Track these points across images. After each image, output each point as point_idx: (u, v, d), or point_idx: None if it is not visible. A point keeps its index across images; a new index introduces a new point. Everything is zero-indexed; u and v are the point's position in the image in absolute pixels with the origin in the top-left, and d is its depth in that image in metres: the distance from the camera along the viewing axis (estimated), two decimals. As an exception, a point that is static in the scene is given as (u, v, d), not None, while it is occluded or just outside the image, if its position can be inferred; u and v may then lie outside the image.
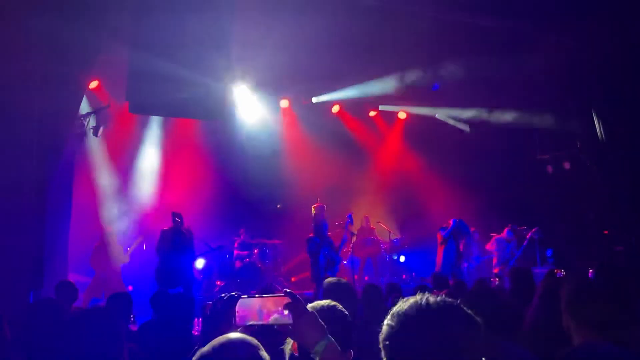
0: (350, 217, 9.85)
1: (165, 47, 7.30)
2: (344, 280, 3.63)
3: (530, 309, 3.51)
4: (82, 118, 9.14)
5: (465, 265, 11.04)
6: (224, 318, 1.98)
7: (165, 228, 8.58)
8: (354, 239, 10.47)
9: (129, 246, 9.91)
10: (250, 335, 1.72)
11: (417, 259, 12.63)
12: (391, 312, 1.48)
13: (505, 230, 10.93)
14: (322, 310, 2.17)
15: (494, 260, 10.91)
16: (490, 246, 11.07)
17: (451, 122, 13.17)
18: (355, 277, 10.30)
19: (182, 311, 4.29)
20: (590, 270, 4.26)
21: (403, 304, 1.47)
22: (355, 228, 10.90)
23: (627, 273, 3.35)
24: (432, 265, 10.79)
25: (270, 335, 1.93)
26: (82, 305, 7.97)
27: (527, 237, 10.55)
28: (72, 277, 8.86)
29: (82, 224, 9.71)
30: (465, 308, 1.44)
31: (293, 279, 12.09)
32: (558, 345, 2.56)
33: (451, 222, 10.35)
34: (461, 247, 11.16)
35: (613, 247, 10.99)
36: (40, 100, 6.77)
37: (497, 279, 8.86)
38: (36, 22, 6.63)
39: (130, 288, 9.67)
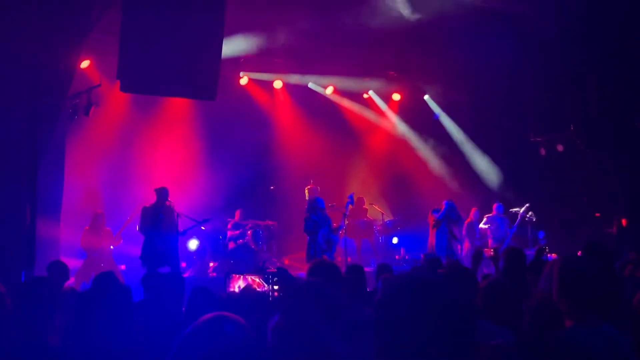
0: (351, 197, 9.79)
1: (157, 26, 7.23)
2: (328, 260, 3.66)
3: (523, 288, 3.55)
4: (73, 97, 9.04)
5: (459, 247, 11.07)
6: None
7: (146, 206, 8.57)
8: (346, 220, 10.46)
9: (118, 228, 9.88)
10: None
11: (410, 241, 12.68)
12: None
13: (494, 206, 10.92)
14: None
15: (489, 241, 10.89)
16: (482, 224, 11.06)
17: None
18: (349, 259, 10.30)
19: (173, 291, 4.29)
20: (579, 252, 4.30)
21: (397, 275, 1.53)
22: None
23: (614, 253, 3.38)
24: (425, 247, 10.84)
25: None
26: (74, 286, 7.97)
27: (520, 214, 10.53)
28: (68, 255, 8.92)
29: (73, 204, 9.68)
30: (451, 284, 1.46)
31: (286, 262, 12.12)
32: (552, 325, 2.59)
33: (444, 204, 10.36)
34: (455, 231, 11.20)
35: (604, 229, 11.08)
36: (31, 80, 6.71)
37: (492, 251, 8.75)
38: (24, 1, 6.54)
39: (122, 267, 9.68)
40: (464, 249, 11.19)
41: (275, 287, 5.20)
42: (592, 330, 2.41)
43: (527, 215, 10.48)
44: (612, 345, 2.36)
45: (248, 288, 4.71)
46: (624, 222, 10.43)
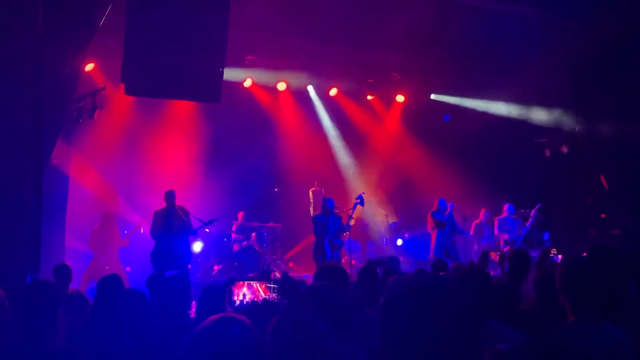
0: (361, 197, 9.73)
1: (161, 29, 7.25)
2: (335, 264, 3.69)
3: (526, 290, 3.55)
4: (78, 100, 9.08)
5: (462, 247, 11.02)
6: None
7: (157, 209, 8.57)
8: (352, 222, 10.43)
9: (128, 230, 9.92)
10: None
11: (414, 243, 12.67)
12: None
13: (505, 207, 10.83)
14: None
15: (501, 242, 10.81)
16: (497, 231, 10.96)
17: None
18: (353, 262, 10.28)
19: (179, 293, 4.29)
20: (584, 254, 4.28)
21: (402, 278, 1.53)
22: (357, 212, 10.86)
23: (620, 254, 3.38)
24: (429, 248, 10.80)
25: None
26: (81, 288, 8.00)
27: (532, 214, 10.43)
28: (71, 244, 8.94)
29: (79, 207, 9.71)
30: (457, 286, 1.47)
31: (290, 264, 12.14)
32: (554, 324, 2.60)
33: (449, 205, 10.32)
34: (472, 231, 11.16)
35: (609, 230, 11.04)
36: (36, 83, 6.73)
37: (497, 255, 8.66)
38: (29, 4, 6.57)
39: (127, 269, 9.71)
40: (472, 250, 11.15)
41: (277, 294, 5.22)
42: (593, 328, 2.43)
43: (538, 217, 10.37)
44: (613, 342, 2.37)
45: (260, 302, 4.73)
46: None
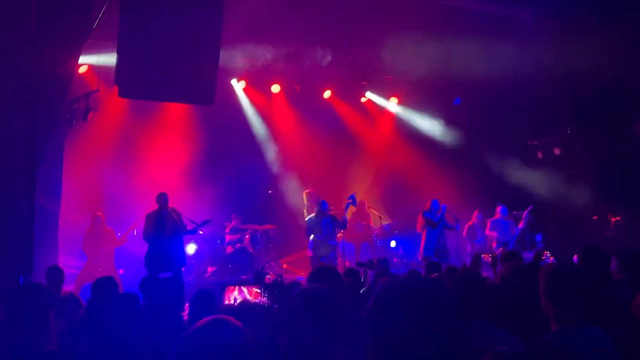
0: (352, 197, 9.72)
1: (155, 32, 7.25)
2: (328, 265, 3.72)
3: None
4: (71, 102, 9.05)
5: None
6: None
7: (149, 212, 8.52)
8: (349, 215, 10.42)
9: (121, 232, 9.88)
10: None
11: (408, 244, 12.67)
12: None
13: (498, 208, 10.86)
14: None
15: (494, 244, 10.83)
16: (488, 231, 10.99)
17: None
18: (347, 263, 10.29)
19: (172, 296, 4.30)
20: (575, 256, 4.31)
21: (393, 279, 1.54)
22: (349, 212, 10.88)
23: (611, 257, 3.40)
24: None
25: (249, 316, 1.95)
26: (74, 291, 7.97)
27: (524, 215, 10.47)
28: (63, 261, 8.88)
29: (72, 209, 9.67)
30: (445, 288, 1.48)
31: (285, 266, 12.12)
32: (540, 329, 2.61)
33: (441, 207, 10.33)
34: (464, 233, 11.18)
35: (602, 232, 11.10)
36: (29, 85, 6.71)
37: (490, 257, 8.65)
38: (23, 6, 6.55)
39: (121, 272, 9.67)
40: (465, 252, 11.16)
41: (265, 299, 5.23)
42: (576, 333, 2.44)
43: (530, 219, 10.41)
44: (597, 346, 2.39)
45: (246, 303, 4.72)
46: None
